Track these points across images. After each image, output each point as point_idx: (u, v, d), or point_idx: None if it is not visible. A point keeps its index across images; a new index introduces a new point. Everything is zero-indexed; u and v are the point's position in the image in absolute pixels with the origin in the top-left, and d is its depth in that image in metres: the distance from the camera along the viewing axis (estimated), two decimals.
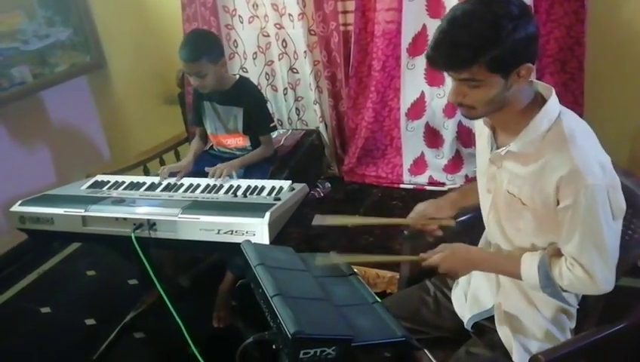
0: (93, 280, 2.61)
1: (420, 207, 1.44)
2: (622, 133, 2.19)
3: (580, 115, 2.04)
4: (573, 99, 2.10)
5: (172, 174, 2.01)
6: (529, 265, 1.16)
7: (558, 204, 1.09)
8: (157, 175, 2.04)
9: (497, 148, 1.19)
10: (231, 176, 1.97)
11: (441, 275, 1.35)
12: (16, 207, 1.76)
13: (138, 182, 1.96)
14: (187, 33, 2.07)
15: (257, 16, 2.41)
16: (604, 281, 1.10)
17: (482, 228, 1.38)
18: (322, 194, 2.42)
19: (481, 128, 1.27)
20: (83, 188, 1.95)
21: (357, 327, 1.04)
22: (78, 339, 2.21)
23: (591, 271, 1.09)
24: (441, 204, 1.44)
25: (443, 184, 2.37)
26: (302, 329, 0.94)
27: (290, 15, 2.34)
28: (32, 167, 2.76)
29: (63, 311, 2.40)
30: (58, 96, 2.81)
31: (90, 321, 2.30)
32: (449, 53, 1.03)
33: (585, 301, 1.27)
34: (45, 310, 2.40)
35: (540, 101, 1.13)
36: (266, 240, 1.51)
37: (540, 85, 1.15)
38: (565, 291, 1.16)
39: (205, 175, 2.00)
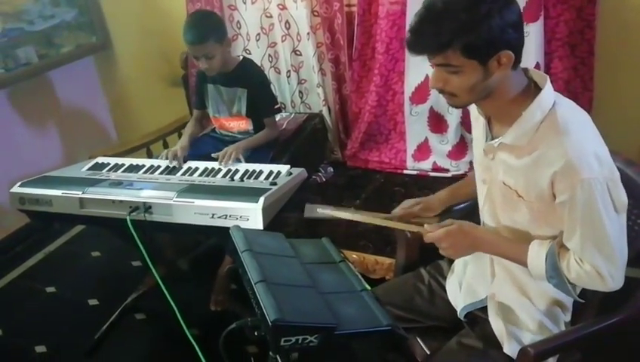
0: (98, 261, 2.64)
1: (408, 204, 1.41)
2: (633, 120, 2.11)
3: (590, 101, 2.03)
4: (582, 84, 2.03)
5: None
6: (536, 254, 1.11)
7: (555, 198, 1.05)
8: (158, 157, 2.03)
9: (492, 138, 1.16)
10: (239, 160, 1.93)
11: (438, 255, 1.30)
12: (16, 188, 1.77)
13: (137, 165, 1.97)
14: (189, 15, 2.05)
15: None
16: (610, 278, 1.06)
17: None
18: (324, 179, 2.40)
19: (476, 116, 1.23)
20: (83, 169, 1.96)
21: (341, 315, 1.02)
22: (81, 319, 2.24)
23: (597, 267, 1.05)
24: (430, 203, 1.41)
25: (447, 170, 2.32)
26: (282, 317, 0.93)
27: None
28: (39, 148, 2.78)
29: (67, 291, 2.43)
30: (64, 77, 2.81)
31: (93, 301, 2.34)
32: (422, 37, 1.01)
33: (582, 292, 1.24)
34: (50, 289, 2.44)
35: (533, 90, 1.09)
36: (259, 225, 1.50)
37: (535, 73, 1.11)
38: (572, 284, 1.12)
39: (206, 158, 1.99)
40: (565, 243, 1.10)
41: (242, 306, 2.02)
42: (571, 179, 1.01)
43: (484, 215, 1.27)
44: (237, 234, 1.18)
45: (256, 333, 1.03)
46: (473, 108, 1.23)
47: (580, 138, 1.03)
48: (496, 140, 1.12)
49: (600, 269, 1.05)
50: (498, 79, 1.04)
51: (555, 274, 1.10)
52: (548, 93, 1.07)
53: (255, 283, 1.02)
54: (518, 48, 1.03)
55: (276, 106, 2.18)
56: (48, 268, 2.61)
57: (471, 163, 2.29)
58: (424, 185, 2.28)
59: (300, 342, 0.96)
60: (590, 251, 1.05)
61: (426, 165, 2.36)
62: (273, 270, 1.08)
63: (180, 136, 2.56)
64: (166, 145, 2.46)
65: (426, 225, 1.23)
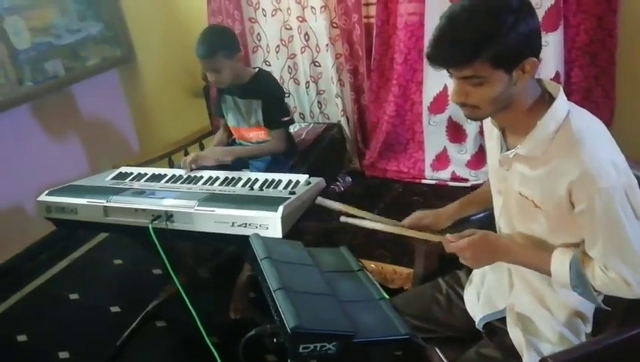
0: (120, 268, 2.69)
1: (417, 215, 1.42)
2: None
3: (612, 110, 2.01)
4: (604, 93, 2.01)
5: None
6: (560, 262, 1.10)
7: (573, 207, 1.05)
8: (179, 167, 2.07)
9: (507, 149, 1.15)
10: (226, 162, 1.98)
11: (456, 265, 1.29)
12: (43, 197, 1.82)
13: (160, 174, 2.00)
14: (203, 30, 2.10)
15: (280, 9, 2.41)
16: (637, 285, 1.04)
17: None
18: (343, 189, 2.41)
19: (490, 128, 1.24)
20: (107, 179, 2.00)
21: (360, 324, 1.02)
22: (103, 326, 2.29)
23: (622, 275, 1.04)
24: (439, 216, 1.41)
25: (466, 180, 2.32)
26: (301, 324, 0.94)
27: (312, 8, 2.33)
28: (65, 158, 2.86)
29: (90, 297, 2.48)
30: (90, 90, 2.89)
31: (115, 308, 2.38)
32: (450, 50, 1.00)
33: (605, 301, 1.22)
34: (74, 296, 2.50)
35: (547, 100, 1.09)
36: (278, 234, 1.52)
37: (549, 83, 1.11)
38: (597, 292, 1.10)
39: (225, 168, 2.02)
40: (588, 252, 1.08)
41: (261, 314, 2.03)
42: (589, 189, 1.00)
43: (501, 226, 1.27)
44: (256, 243, 1.20)
45: (275, 340, 1.04)
46: (487, 120, 1.23)
47: (595, 147, 1.02)
48: (512, 151, 1.12)
49: (625, 276, 1.04)
50: (520, 88, 1.04)
51: (579, 282, 1.08)
52: (561, 103, 1.07)
53: (274, 291, 1.03)
54: (539, 54, 1.03)
55: (285, 119, 2.15)
56: (72, 276, 2.67)
57: None
58: (443, 194, 2.28)
59: (318, 349, 0.96)
60: (613, 259, 1.04)
61: (444, 175, 2.36)
62: (292, 278, 1.09)
63: (200, 145, 2.61)
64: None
65: (448, 235, 1.22)
